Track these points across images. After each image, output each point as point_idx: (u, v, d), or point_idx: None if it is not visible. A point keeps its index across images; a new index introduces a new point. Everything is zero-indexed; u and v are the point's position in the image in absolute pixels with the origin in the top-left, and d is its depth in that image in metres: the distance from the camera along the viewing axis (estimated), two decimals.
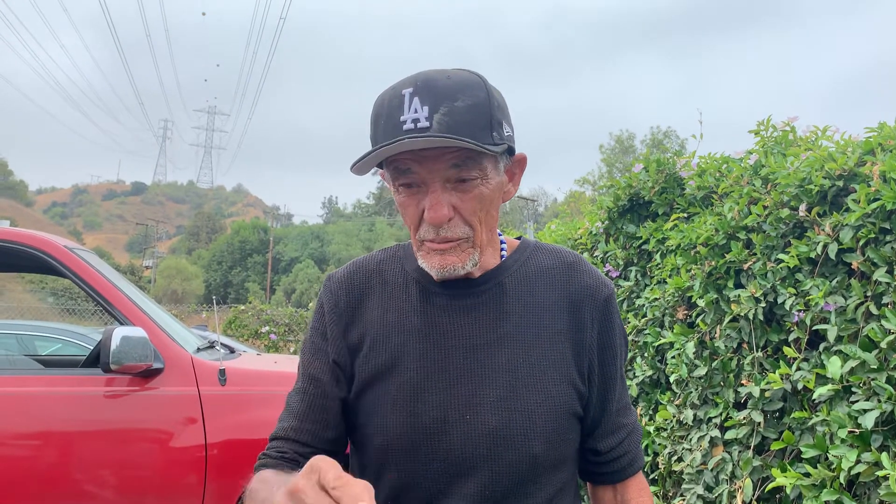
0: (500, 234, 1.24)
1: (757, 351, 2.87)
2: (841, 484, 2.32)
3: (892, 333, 2.29)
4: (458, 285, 1.17)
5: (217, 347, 3.64)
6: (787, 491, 2.52)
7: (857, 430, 2.30)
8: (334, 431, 1.19)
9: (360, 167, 1.06)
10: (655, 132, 47.63)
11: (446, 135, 1.00)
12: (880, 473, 2.16)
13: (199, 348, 3.32)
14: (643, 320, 3.65)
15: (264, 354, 4.47)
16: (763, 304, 2.84)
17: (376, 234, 70.23)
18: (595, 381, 1.18)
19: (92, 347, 7.26)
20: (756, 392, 2.74)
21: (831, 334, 2.51)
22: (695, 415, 3.09)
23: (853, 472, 2.27)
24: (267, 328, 14.78)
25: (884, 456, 2.17)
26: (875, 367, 2.33)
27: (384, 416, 1.13)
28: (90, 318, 25.12)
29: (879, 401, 2.28)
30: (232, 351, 3.81)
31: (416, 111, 1.02)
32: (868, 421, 2.26)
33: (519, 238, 1.27)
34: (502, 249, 1.22)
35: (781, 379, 2.66)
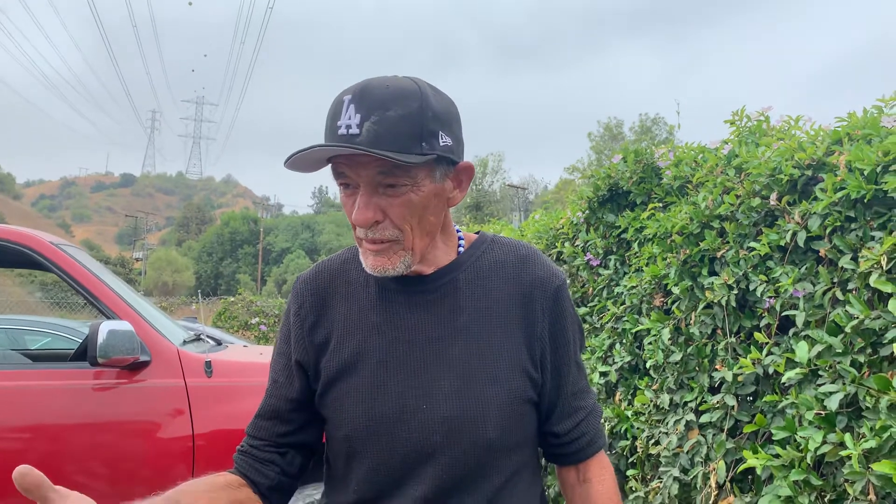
0: (458, 231, 1.29)
1: (730, 336, 2.95)
2: (808, 464, 2.39)
3: (856, 318, 2.36)
4: (414, 282, 1.23)
5: (203, 339, 3.69)
6: (759, 471, 2.60)
7: (823, 412, 2.38)
8: (286, 427, 1.30)
9: (292, 163, 1.11)
10: (644, 119, 47.70)
11: (365, 147, 1.06)
12: (844, 453, 2.24)
13: (185, 341, 3.37)
14: (622, 307, 3.72)
15: (251, 346, 4.52)
16: (736, 291, 2.91)
17: None
18: (548, 368, 1.25)
19: (79, 341, 7.31)
20: (729, 377, 2.82)
21: (800, 320, 2.59)
22: (671, 399, 3.17)
23: (819, 453, 2.35)
24: (257, 319, 14.82)
25: (847, 436, 2.25)
26: (840, 350, 2.40)
27: (347, 408, 1.21)
28: (80, 311, 25.09)
29: (844, 383, 2.36)
30: (218, 343, 3.86)
31: (349, 118, 1.08)
32: (833, 403, 2.33)
33: (478, 233, 1.33)
34: (460, 245, 1.28)
35: (753, 364, 2.73)
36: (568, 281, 1.31)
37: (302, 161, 1.11)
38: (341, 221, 74.62)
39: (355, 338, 1.23)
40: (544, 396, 1.26)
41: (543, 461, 1.37)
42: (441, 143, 1.13)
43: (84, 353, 3.68)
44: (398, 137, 1.08)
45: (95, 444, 2.98)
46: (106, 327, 2.92)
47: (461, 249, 1.28)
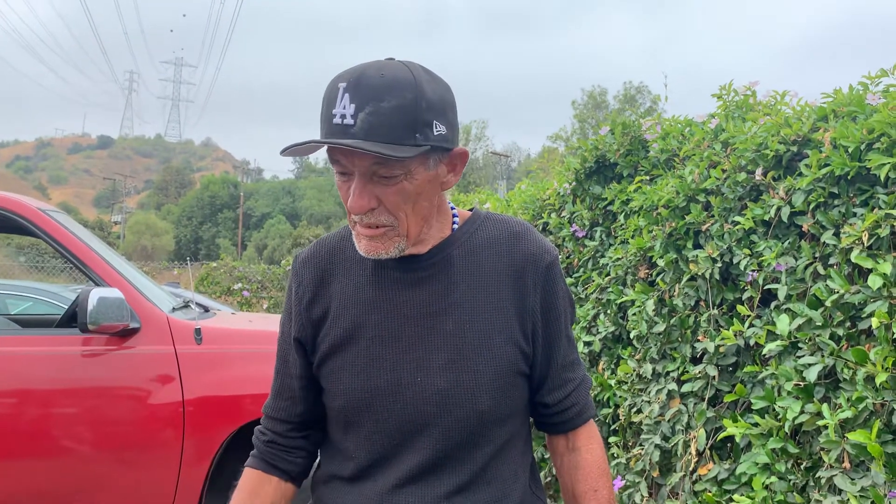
0: (452, 208, 1.32)
1: (713, 308, 3.01)
2: (786, 433, 2.48)
3: (836, 293, 2.43)
4: (409, 259, 1.26)
5: (192, 307, 3.70)
6: (737, 440, 2.69)
7: (801, 384, 2.46)
8: (303, 405, 1.35)
9: (290, 152, 1.15)
10: (628, 88, 47.66)
11: (359, 142, 1.09)
12: (821, 423, 2.32)
13: (174, 308, 3.38)
14: (607, 279, 3.78)
15: (239, 313, 4.54)
16: (719, 265, 2.97)
17: None
18: (539, 341, 1.29)
19: (62, 305, 7.28)
20: (711, 348, 2.89)
21: (781, 293, 2.65)
22: (653, 369, 3.24)
23: (797, 422, 2.43)
24: (239, 285, 14.80)
25: (824, 407, 2.33)
26: (820, 324, 2.47)
27: (343, 381, 1.25)
28: (58, 275, 24.87)
29: (823, 356, 2.43)
30: (206, 310, 3.87)
31: (344, 107, 1.10)
32: (812, 374, 2.41)
33: (472, 210, 1.36)
34: (454, 222, 1.31)
35: (735, 335, 2.80)
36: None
37: (299, 148, 1.14)
38: (322, 187, 74.20)
39: (351, 313, 1.27)
40: (535, 368, 1.30)
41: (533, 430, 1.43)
42: (435, 133, 1.15)
43: (71, 318, 3.69)
44: (393, 129, 1.10)
45: (85, 409, 3.01)
46: (96, 294, 2.93)
47: (455, 226, 1.30)
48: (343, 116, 1.10)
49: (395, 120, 1.10)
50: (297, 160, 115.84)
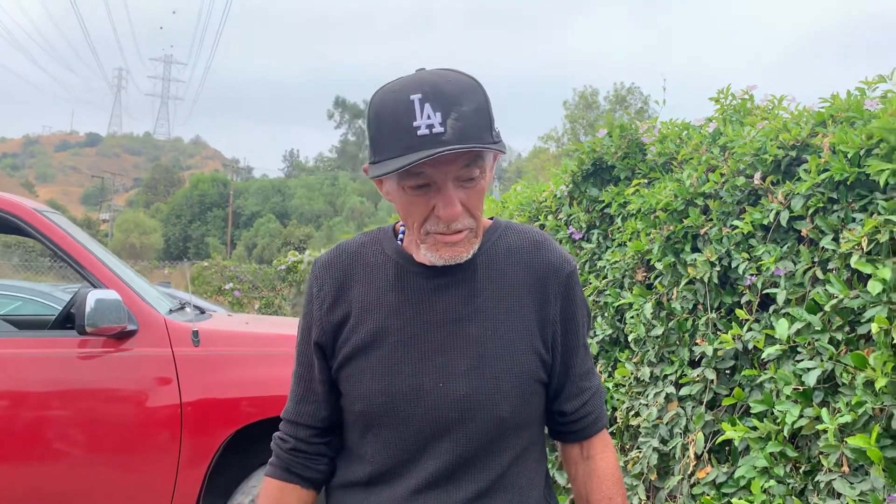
0: None
1: (711, 312, 3.02)
2: (784, 437, 2.49)
3: (835, 298, 2.44)
4: (433, 265, 1.26)
5: (188, 309, 3.69)
6: (736, 443, 2.70)
7: (800, 388, 2.47)
8: (327, 410, 1.34)
9: (383, 174, 1.14)
10: (619, 89, 47.72)
11: (467, 145, 1.11)
12: (820, 427, 2.33)
13: (171, 310, 3.37)
14: (604, 281, 3.79)
15: (235, 315, 4.52)
16: (718, 268, 2.98)
17: (339, 189, 69.60)
18: (558, 350, 1.30)
19: (51, 305, 7.23)
20: (709, 351, 2.90)
21: (780, 297, 2.67)
22: (651, 372, 3.25)
23: (796, 426, 2.44)
24: (231, 285, 14.75)
25: (824, 411, 2.34)
26: (819, 328, 2.48)
27: (365, 384, 1.25)
28: (46, 273, 24.71)
29: (822, 360, 2.44)
30: (202, 312, 3.86)
31: (429, 117, 1.11)
32: (811, 379, 2.42)
33: (492, 218, 1.37)
34: None
35: (733, 339, 2.81)
36: None
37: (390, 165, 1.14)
38: (312, 186, 73.94)
39: (374, 317, 1.27)
40: (553, 377, 1.31)
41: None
42: (496, 129, 1.19)
43: (65, 320, 3.67)
44: (479, 130, 1.14)
45: (82, 412, 2.99)
46: (94, 296, 2.91)
47: None
48: (430, 126, 1.11)
49: (479, 121, 1.14)
50: (288, 158, 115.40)
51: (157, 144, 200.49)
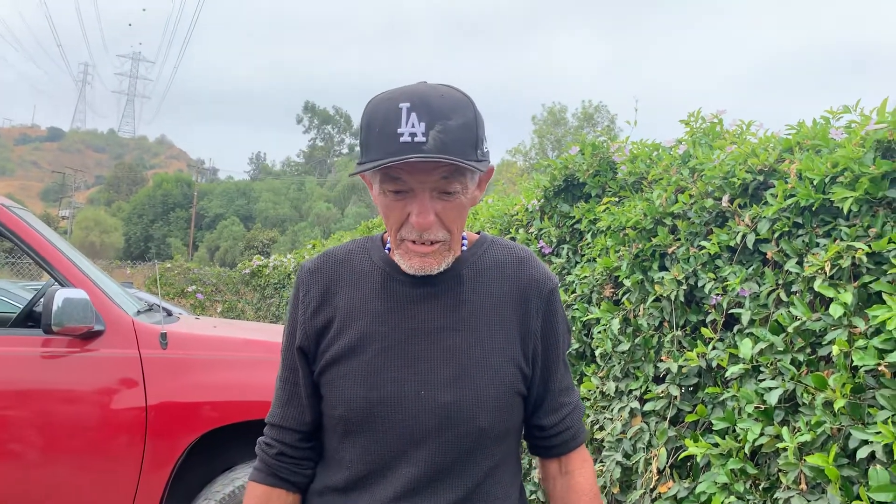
0: None
1: (677, 330, 3.08)
2: (745, 454, 2.55)
3: (798, 320, 2.51)
4: (419, 275, 1.28)
5: (156, 311, 3.65)
6: (698, 459, 2.76)
7: (762, 406, 2.53)
8: (311, 415, 1.35)
9: (362, 173, 1.20)
10: (587, 106, 48.26)
11: (439, 155, 1.13)
12: (780, 445, 2.39)
13: (139, 311, 3.33)
14: (572, 296, 3.84)
15: (203, 318, 4.48)
16: (684, 287, 3.04)
17: (306, 194, 69.10)
18: (538, 363, 1.33)
19: (8, 301, 7.06)
20: (674, 368, 2.96)
21: (745, 318, 2.73)
22: (617, 387, 3.30)
23: (757, 444, 2.50)
24: (193, 287, 14.56)
25: (784, 430, 2.40)
26: (781, 349, 2.55)
27: (346, 389, 1.27)
28: (0, 269, 24.14)
29: (783, 380, 2.51)
30: (170, 314, 3.82)
31: (413, 126, 1.14)
32: (772, 398, 2.49)
33: (479, 233, 1.40)
34: (463, 244, 1.35)
35: (698, 357, 2.87)
36: None
37: (365, 166, 1.18)
38: (278, 190, 73.37)
39: (358, 324, 1.29)
40: (532, 390, 1.34)
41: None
42: (485, 149, 1.22)
43: (27, 318, 3.60)
44: (461, 145, 1.16)
45: (44, 413, 2.94)
46: (61, 295, 2.87)
47: (464, 247, 1.34)
48: (413, 134, 1.14)
49: (463, 137, 1.16)
50: (254, 161, 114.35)
51: (121, 142, 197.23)
